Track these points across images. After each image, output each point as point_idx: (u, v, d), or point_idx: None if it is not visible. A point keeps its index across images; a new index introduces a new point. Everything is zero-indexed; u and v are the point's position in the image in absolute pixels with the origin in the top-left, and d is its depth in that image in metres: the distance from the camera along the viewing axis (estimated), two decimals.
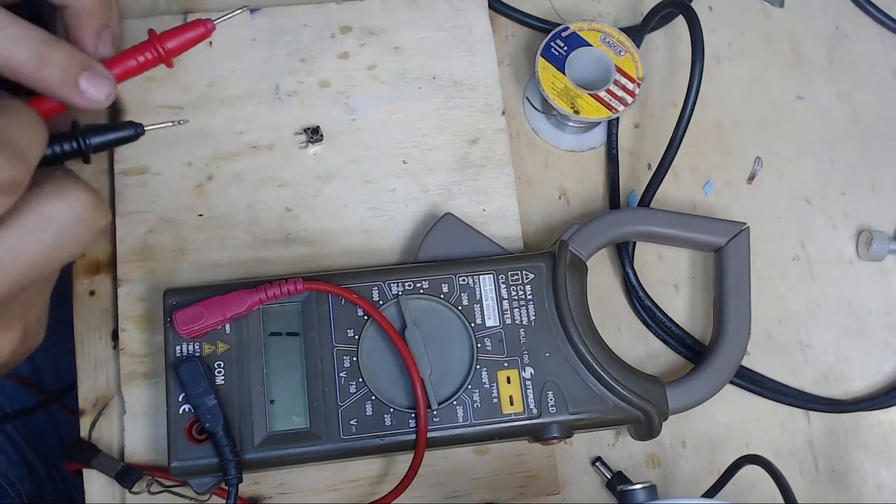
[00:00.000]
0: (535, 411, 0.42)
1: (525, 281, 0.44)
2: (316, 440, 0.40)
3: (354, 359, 0.41)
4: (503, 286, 0.44)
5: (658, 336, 0.49)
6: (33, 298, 0.35)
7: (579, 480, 0.46)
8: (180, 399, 0.40)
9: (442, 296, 0.43)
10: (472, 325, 0.43)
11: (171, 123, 0.39)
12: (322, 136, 0.48)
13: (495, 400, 0.42)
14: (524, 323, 0.43)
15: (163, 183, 0.47)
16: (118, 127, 0.36)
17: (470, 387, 0.42)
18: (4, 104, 0.32)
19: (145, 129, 0.37)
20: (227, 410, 0.40)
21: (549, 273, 0.44)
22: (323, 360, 0.41)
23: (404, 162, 0.49)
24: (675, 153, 0.48)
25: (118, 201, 0.46)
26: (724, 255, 0.47)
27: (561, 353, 0.43)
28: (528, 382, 0.42)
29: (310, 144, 0.48)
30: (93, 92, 0.35)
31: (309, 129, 0.48)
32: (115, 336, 0.45)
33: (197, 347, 0.41)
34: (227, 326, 0.41)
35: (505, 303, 0.43)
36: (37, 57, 0.33)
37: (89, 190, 0.33)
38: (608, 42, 0.49)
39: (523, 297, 0.43)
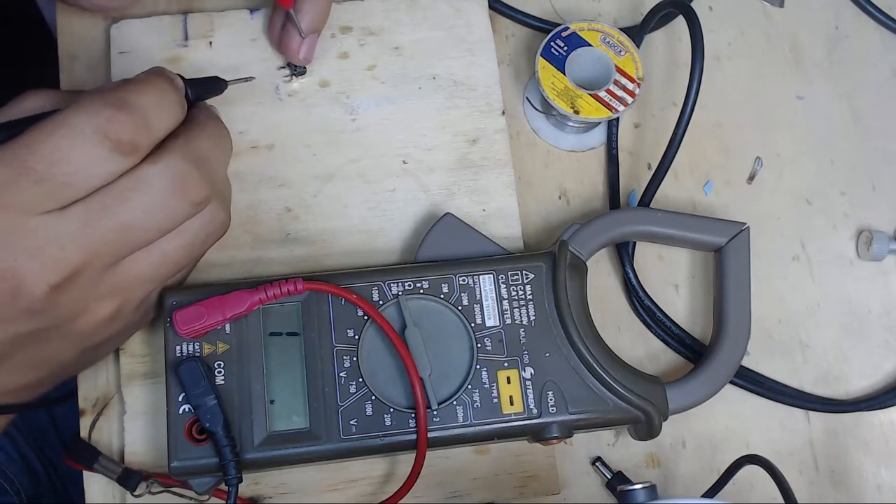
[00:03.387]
0: (535, 411, 0.42)
1: (525, 281, 0.44)
2: (316, 440, 0.40)
3: (354, 359, 0.41)
4: (503, 286, 0.43)
5: (658, 336, 0.49)
6: (136, 279, 0.38)
7: (579, 480, 0.46)
8: (180, 399, 0.40)
9: (442, 296, 0.43)
10: (472, 325, 0.43)
11: (243, 80, 0.45)
12: (305, 68, 0.48)
13: (495, 400, 0.42)
14: (524, 323, 0.43)
15: None
16: (207, 81, 0.42)
17: (470, 387, 0.42)
18: (149, 77, 0.37)
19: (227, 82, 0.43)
20: (227, 410, 0.40)
21: (549, 273, 0.44)
22: (323, 360, 0.41)
23: (404, 162, 0.49)
24: (675, 153, 0.48)
25: None
26: (724, 255, 0.47)
27: (561, 353, 0.43)
28: (528, 382, 0.42)
29: (293, 77, 0.48)
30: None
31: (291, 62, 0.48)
32: None
33: (197, 347, 0.41)
34: (227, 326, 0.41)
35: (505, 303, 0.43)
36: None
37: (190, 159, 0.36)
38: (608, 42, 0.49)
39: (523, 297, 0.43)
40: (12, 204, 0.33)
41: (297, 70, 0.48)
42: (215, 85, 0.43)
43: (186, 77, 0.40)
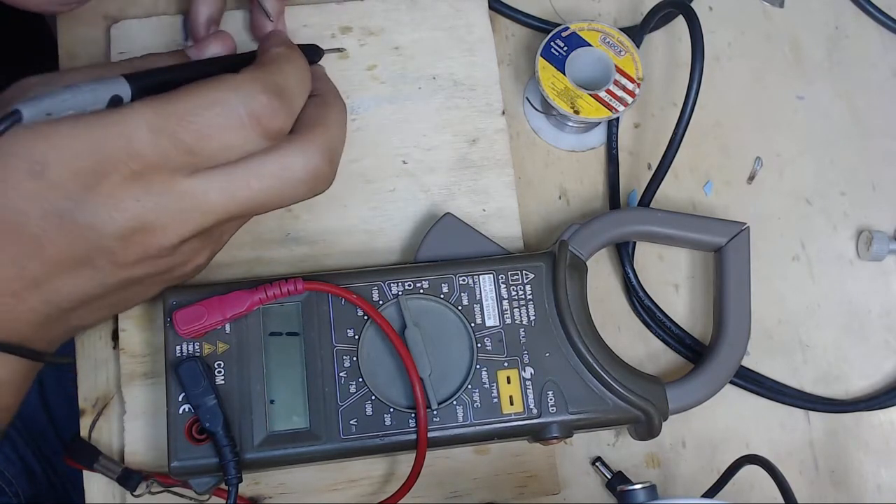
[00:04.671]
0: (535, 411, 0.42)
1: (525, 281, 0.44)
2: (316, 440, 0.40)
3: (354, 359, 0.41)
4: (503, 286, 0.43)
5: (658, 336, 0.49)
6: (231, 230, 0.41)
7: (579, 480, 0.46)
8: (180, 399, 0.40)
9: (442, 296, 0.43)
10: (472, 325, 0.43)
11: (336, 50, 0.49)
12: None
13: (495, 400, 0.42)
14: (524, 323, 0.43)
15: None
16: (309, 48, 0.44)
17: (470, 387, 0.42)
18: (284, 53, 0.38)
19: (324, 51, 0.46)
20: (227, 410, 0.40)
21: (549, 273, 0.44)
22: (323, 359, 0.41)
23: (404, 162, 0.49)
24: (675, 153, 0.48)
25: None
26: (724, 255, 0.47)
27: (561, 353, 0.43)
28: (527, 382, 0.42)
29: None
30: None
31: None
32: (115, 336, 0.45)
33: (197, 347, 0.41)
34: (227, 326, 0.41)
35: (505, 303, 0.43)
36: None
37: (328, 156, 0.38)
38: (608, 42, 0.49)
39: (523, 297, 0.43)
40: (163, 167, 0.34)
41: None
42: (314, 52, 0.45)
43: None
